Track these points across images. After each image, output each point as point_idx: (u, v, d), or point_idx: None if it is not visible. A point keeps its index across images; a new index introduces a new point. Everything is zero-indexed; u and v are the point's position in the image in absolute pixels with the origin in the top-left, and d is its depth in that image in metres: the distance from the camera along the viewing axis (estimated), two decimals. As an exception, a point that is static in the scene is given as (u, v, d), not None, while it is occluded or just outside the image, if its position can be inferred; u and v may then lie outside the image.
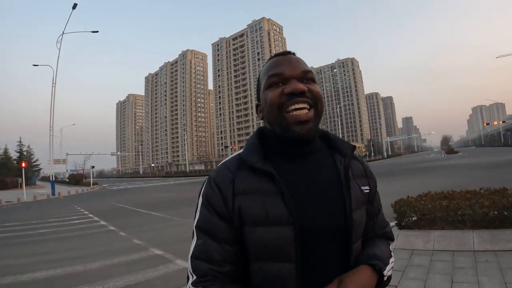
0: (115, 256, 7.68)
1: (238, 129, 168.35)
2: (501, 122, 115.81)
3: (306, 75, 1.12)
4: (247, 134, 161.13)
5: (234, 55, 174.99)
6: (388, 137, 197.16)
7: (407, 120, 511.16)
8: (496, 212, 6.11)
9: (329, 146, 1.23)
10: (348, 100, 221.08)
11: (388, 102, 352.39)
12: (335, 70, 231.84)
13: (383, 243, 1.27)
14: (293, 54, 1.20)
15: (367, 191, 1.23)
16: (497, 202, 6.14)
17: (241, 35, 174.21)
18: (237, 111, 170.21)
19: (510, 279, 4.32)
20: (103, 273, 6.47)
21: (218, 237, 1.05)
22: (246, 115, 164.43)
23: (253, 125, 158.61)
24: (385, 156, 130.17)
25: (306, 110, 1.09)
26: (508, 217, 5.99)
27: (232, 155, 1.17)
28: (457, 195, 7.15)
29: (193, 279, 1.05)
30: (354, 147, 1.24)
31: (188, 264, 1.08)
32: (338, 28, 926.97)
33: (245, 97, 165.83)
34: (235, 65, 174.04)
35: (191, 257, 1.08)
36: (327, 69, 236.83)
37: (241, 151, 1.17)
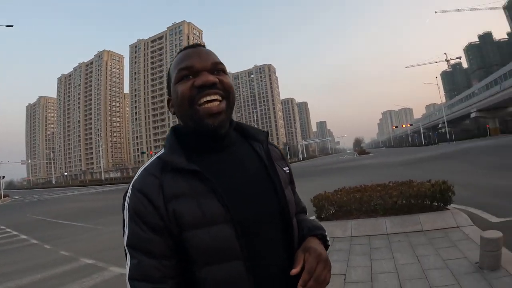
0: (45, 270, 7.35)
1: (155, 134, 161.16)
2: (408, 125, 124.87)
3: (217, 67, 1.11)
4: (164, 139, 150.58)
5: (152, 57, 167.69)
6: (303, 140, 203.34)
7: (321, 124, 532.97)
8: (404, 201, 7.07)
9: (244, 136, 1.25)
10: (264, 105, 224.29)
11: (303, 107, 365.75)
12: (252, 76, 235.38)
13: (307, 217, 1.40)
14: (203, 46, 1.18)
15: (288, 171, 1.29)
16: (405, 192, 7.10)
17: (160, 38, 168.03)
18: (154, 115, 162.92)
19: (420, 253, 5.18)
20: (37, 287, 6.30)
21: (154, 254, 0.98)
22: (163, 119, 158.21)
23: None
24: (301, 159, 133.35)
25: (218, 102, 1.08)
26: (415, 204, 6.98)
27: (151, 159, 1.12)
28: (369, 188, 8.05)
29: None
30: (268, 132, 1.28)
31: (127, 287, 0.99)
32: (256, 36, 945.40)
33: (162, 101, 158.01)
34: (152, 68, 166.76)
35: (129, 279, 0.98)
36: (244, 75, 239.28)
37: (160, 153, 1.11)
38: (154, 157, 1.11)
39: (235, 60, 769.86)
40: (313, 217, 7.48)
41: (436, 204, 7.00)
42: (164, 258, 0.98)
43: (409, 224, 6.50)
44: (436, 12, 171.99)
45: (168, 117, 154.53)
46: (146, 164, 1.09)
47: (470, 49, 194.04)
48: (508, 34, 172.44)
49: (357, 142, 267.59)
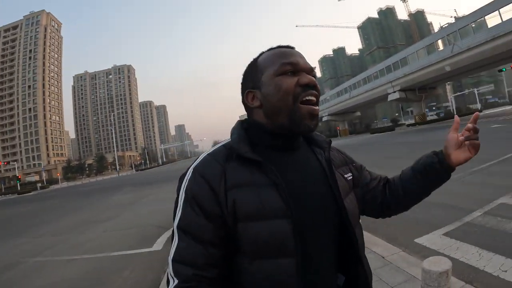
0: None
1: (3, 140, 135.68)
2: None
3: (312, 72, 1.11)
4: (13, 146, 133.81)
5: (3, 50, 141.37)
6: (162, 145, 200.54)
7: (180, 128, 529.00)
8: None
9: (307, 141, 1.22)
10: (122, 107, 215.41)
11: (162, 110, 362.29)
12: (110, 76, 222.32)
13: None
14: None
15: (350, 177, 1.25)
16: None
17: (15, 27, 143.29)
18: (1, 118, 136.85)
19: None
20: None
21: (204, 240, 0.96)
22: (12, 123, 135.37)
23: (19, 136, 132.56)
24: (160, 163, 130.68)
25: (316, 105, 1.08)
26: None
27: (216, 146, 1.11)
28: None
29: (175, 283, 0.95)
30: (330, 141, 1.26)
31: (168, 267, 0.98)
32: (117, 35, 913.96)
33: (11, 101, 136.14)
34: (2, 63, 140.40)
35: (172, 260, 0.97)
36: (102, 75, 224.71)
37: (225, 142, 1.11)
38: (219, 145, 1.11)
39: (93, 58, 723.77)
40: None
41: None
42: (212, 246, 0.96)
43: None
44: (296, 26, 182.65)
45: (18, 121, 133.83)
46: (211, 150, 1.09)
47: (324, 61, 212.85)
48: (359, 50, 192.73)
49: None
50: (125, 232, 9.49)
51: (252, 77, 1.12)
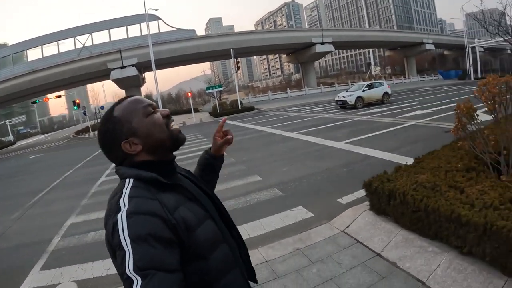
0: None
1: None
2: None
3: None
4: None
5: None
6: None
7: None
8: None
9: None
10: None
11: None
12: None
13: None
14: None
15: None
16: None
17: None
18: None
19: None
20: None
21: (169, 268, 0.99)
22: None
23: None
24: None
25: None
26: None
27: (125, 190, 1.13)
28: None
29: None
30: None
31: None
32: None
33: None
34: None
35: None
36: None
37: (130, 184, 1.15)
38: (127, 188, 1.14)
39: None
40: None
41: None
42: (177, 271, 1.01)
43: None
44: None
45: None
46: (126, 194, 1.11)
47: None
48: None
49: None
50: None
51: (121, 130, 1.21)
